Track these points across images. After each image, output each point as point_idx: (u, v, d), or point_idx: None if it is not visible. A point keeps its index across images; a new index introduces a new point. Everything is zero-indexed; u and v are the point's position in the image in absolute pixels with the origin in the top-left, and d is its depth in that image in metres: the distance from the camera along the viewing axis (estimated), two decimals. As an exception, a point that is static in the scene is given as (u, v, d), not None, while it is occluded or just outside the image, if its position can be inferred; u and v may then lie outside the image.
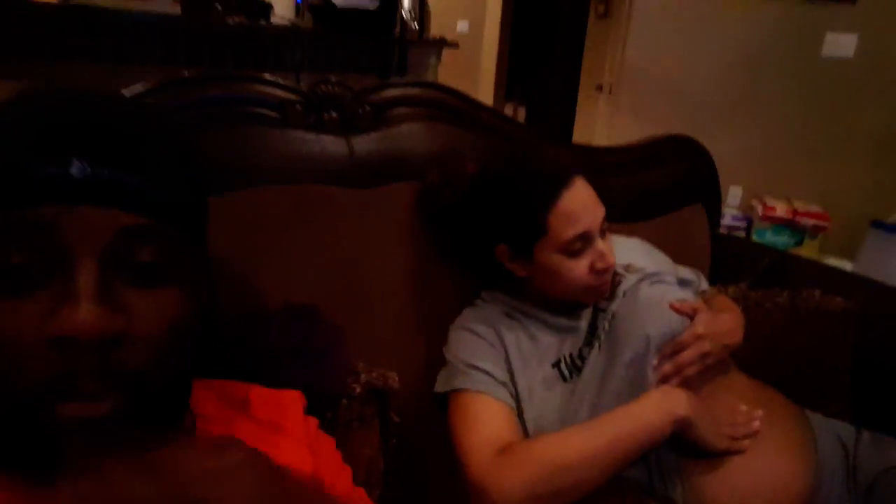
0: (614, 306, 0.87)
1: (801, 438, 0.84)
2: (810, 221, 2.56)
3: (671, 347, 0.82)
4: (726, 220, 2.56)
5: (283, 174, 0.86)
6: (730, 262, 1.35)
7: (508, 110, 5.61)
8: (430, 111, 1.01)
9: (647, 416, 0.75)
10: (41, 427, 0.39)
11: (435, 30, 5.09)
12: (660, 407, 0.76)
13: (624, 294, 0.88)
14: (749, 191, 2.75)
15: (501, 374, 0.84)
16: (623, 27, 2.87)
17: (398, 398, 0.77)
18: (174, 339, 0.44)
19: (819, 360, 1.09)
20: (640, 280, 0.90)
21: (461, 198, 0.91)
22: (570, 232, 0.82)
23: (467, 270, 0.99)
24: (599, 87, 3.66)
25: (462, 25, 5.28)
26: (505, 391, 0.83)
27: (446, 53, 3.37)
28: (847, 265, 2.03)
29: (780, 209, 2.58)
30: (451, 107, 1.04)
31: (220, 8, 2.19)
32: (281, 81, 0.91)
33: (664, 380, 0.81)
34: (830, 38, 2.52)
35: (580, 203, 0.83)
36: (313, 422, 0.63)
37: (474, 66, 5.23)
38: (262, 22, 2.36)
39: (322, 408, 0.66)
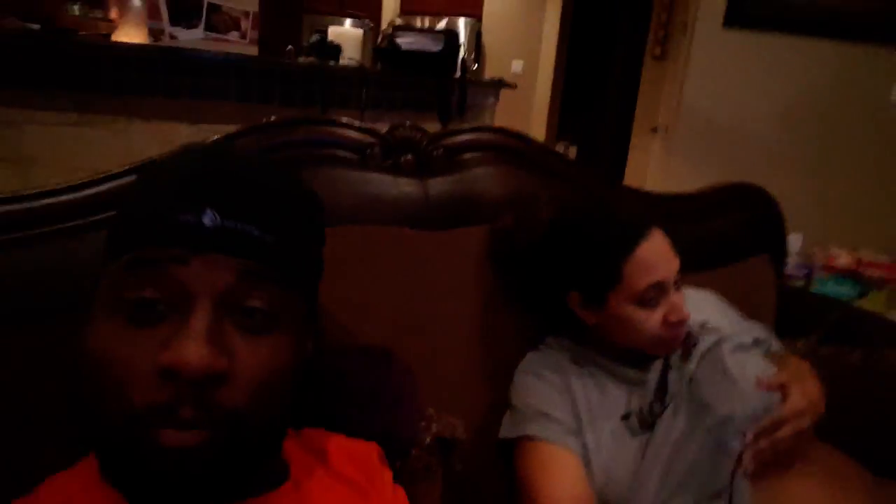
0: (691, 367, 0.85)
1: None
2: (876, 273, 2.46)
3: (770, 424, 0.79)
4: (785, 270, 2.48)
5: (361, 214, 0.89)
6: (796, 315, 1.32)
7: (559, 149, 5.63)
8: (500, 155, 1.03)
9: None
10: (140, 449, 0.43)
11: (490, 70, 5.20)
12: None
13: (701, 356, 0.86)
14: (810, 238, 2.67)
15: (571, 422, 0.83)
16: (680, 69, 2.88)
17: (463, 446, 0.78)
18: (273, 386, 0.46)
19: (893, 424, 1.05)
20: (718, 342, 0.88)
21: (535, 243, 0.91)
22: (645, 281, 0.81)
23: (533, 315, 0.99)
24: (654, 129, 3.65)
25: (517, 65, 5.38)
26: (576, 441, 0.82)
27: (502, 93, 3.43)
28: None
29: (844, 259, 2.50)
30: (521, 152, 1.06)
31: (292, 49, 2.31)
32: (360, 125, 0.95)
33: (756, 456, 0.78)
34: (900, 85, 2.46)
35: (657, 254, 0.83)
36: (388, 475, 0.63)
37: (527, 105, 5.30)
38: (332, 62, 2.47)
39: (393, 456, 0.67)
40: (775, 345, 1.05)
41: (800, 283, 2.51)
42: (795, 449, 0.81)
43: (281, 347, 0.47)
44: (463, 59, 2.72)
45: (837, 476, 0.81)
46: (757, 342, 0.98)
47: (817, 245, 2.63)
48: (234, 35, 2.18)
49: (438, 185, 0.96)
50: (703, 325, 0.93)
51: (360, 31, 3.00)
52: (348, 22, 5.56)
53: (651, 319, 0.83)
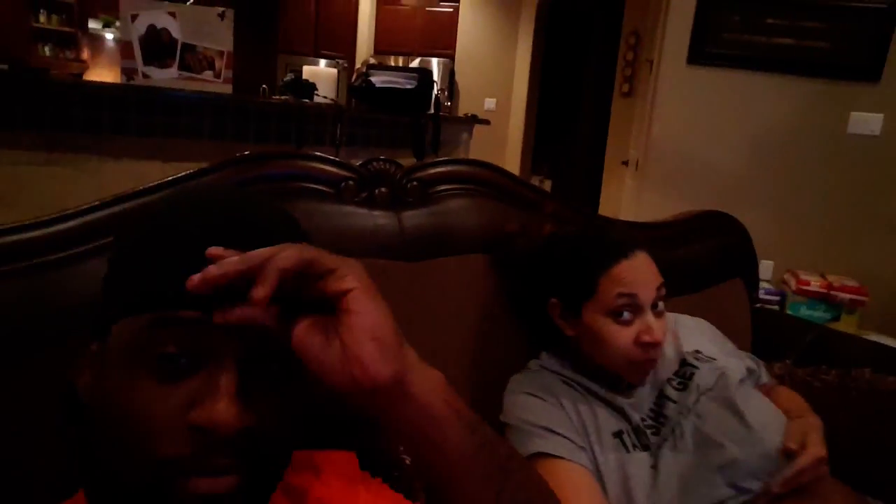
0: (691, 399, 0.85)
1: None
2: (847, 296, 2.51)
3: (794, 475, 0.79)
4: (759, 295, 2.52)
5: (337, 248, 0.88)
6: (771, 337, 1.34)
7: (534, 182, 5.72)
8: (475, 188, 1.04)
9: None
10: (169, 499, 0.42)
11: (464, 107, 5.30)
12: None
13: (705, 390, 0.86)
14: (781, 265, 2.73)
15: (577, 438, 0.82)
16: (648, 105, 2.96)
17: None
18: (297, 425, 0.48)
19: (870, 441, 1.06)
20: (722, 378, 0.88)
21: (533, 250, 0.95)
22: (616, 291, 0.83)
23: (514, 342, 1.00)
24: (625, 163, 3.74)
25: (489, 103, 5.49)
26: (585, 457, 0.81)
27: (475, 129, 3.49)
28: (888, 340, 1.97)
29: (815, 283, 2.55)
30: (495, 183, 1.07)
31: (266, 88, 2.33)
32: (335, 159, 0.96)
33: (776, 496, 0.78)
34: (856, 116, 2.56)
35: (635, 273, 0.85)
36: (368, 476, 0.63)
37: (501, 141, 5.40)
38: (306, 101, 2.49)
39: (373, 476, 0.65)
40: (764, 374, 1.06)
41: (774, 308, 2.55)
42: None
43: (304, 389, 0.48)
44: (436, 95, 2.77)
45: (817, 495, 0.81)
46: (750, 372, 0.99)
47: (788, 271, 2.69)
48: (208, 74, 2.19)
49: (413, 218, 0.97)
50: (696, 354, 0.94)
51: (334, 70, 3.04)
52: (323, 62, 5.64)
53: (623, 336, 0.84)
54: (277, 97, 2.36)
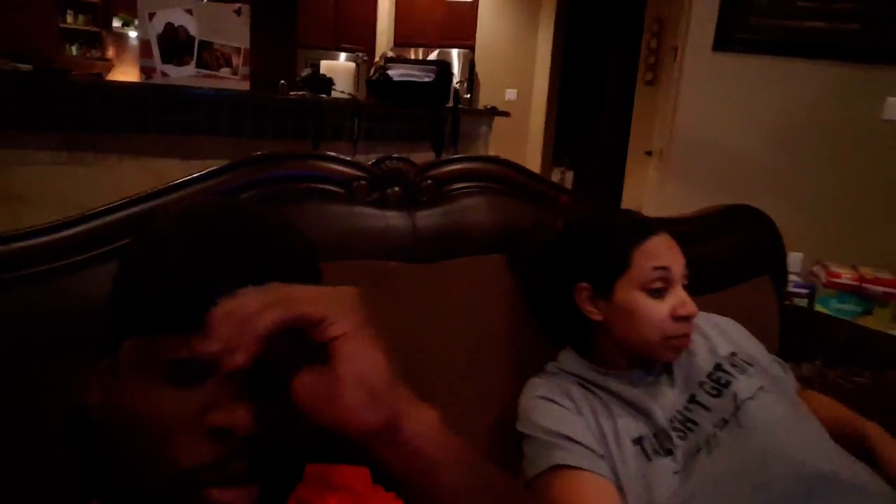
0: (727, 411, 0.82)
1: None
2: (880, 289, 2.43)
3: None
4: (788, 288, 2.45)
5: (349, 250, 0.87)
6: (799, 336, 1.29)
7: (556, 175, 5.66)
8: (491, 185, 1.02)
9: None
10: None
11: (484, 99, 5.26)
12: None
13: (736, 400, 0.83)
14: (810, 257, 2.65)
15: (596, 446, 0.80)
16: (672, 94, 2.89)
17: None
18: (308, 433, 0.48)
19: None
20: (758, 391, 0.85)
21: (550, 242, 0.94)
22: (653, 266, 0.83)
23: (532, 344, 0.97)
24: (649, 153, 3.67)
25: (510, 93, 5.44)
26: (606, 466, 0.78)
27: (496, 121, 3.45)
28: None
29: (846, 276, 2.47)
30: (511, 180, 1.05)
31: (285, 84, 2.32)
32: (347, 159, 0.94)
33: None
34: (892, 101, 2.47)
35: (666, 247, 0.87)
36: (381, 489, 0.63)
37: (523, 132, 5.34)
38: (323, 96, 2.48)
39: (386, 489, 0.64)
40: (792, 380, 1.02)
41: (803, 302, 2.48)
42: None
43: None
44: (455, 88, 2.74)
45: None
46: (780, 382, 0.95)
47: (818, 263, 2.61)
48: (225, 71, 2.20)
49: (427, 218, 0.94)
50: (733, 358, 0.91)
51: (351, 65, 3.02)
52: (342, 55, 5.64)
53: (659, 310, 0.83)
54: (295, 92, 2.36)
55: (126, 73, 5.64)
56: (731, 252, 1.27)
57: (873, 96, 2.48)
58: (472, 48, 5.67)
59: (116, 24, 5.63)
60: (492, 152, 3.49)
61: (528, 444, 0.83)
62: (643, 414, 0.84)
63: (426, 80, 2.51)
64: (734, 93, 2.64)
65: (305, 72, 2.52)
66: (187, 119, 2.12)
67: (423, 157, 1.00)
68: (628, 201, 4.05)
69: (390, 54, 5.23)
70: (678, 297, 0.84)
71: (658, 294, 0.84)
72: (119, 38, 5.80)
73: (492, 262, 0.98)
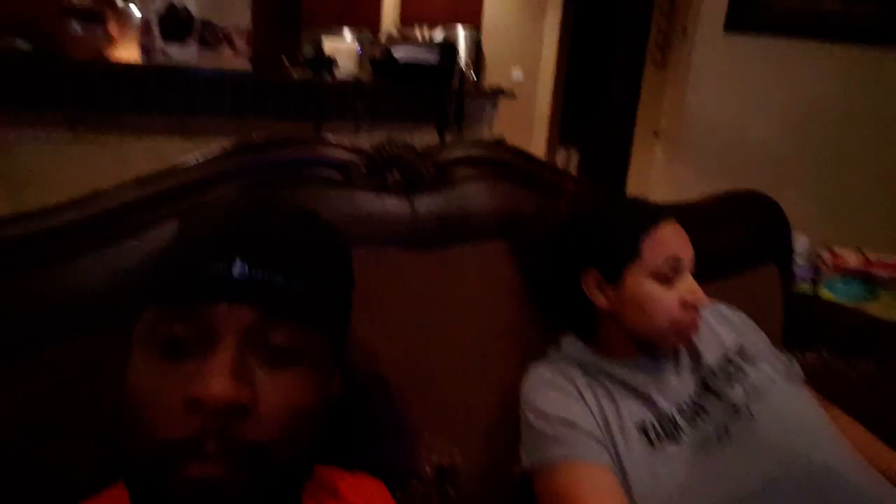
0: (739, 401, 0.81)
1: None
2: (886, 273, 2.41)
3: None
4: (793, 272, 2.43)
5: (347, 236, 0.86)
6: (804, 324, 1.27)
7: (561, 155, 5.61)
8: (493, 170, 1.00)
9: None
10: (165, 481, 0.44)
11: (490, 78, 5.19)
12: None
13: (747, 392, 0.82)
14: (815, 240, 2.63)
15: (598, 432, 0.79)
16: (681, 75, 2.84)
17: (459, 472, 0.74)
18: (297, 420, 0.48)
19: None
20: (770, 384, 0.84)
21: (555, 229, 0.93)
22: (663, 255, 0.83)
23: (535, 330, 0.96)
24: (656, 134, 3.62)
25: (517, 73, 5.36)
26: (605, 451, 0.78)
27: (502, 100, 3.41)
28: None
29: (852, 259, 2.45)
30: (514, 165, 1.03)
31: (287, 64, 2.30)
32: (346, 143, 0.92)
33: None
34: (905, 84, 2.42)
35: (675, 235, 0.86)
36: None
37: (528, 113, 5.28)
38: (326, 76, 2.45)
39: (393, 488, 0.65)
40: (797, 370, 1.01)
41: (807, 286, 2.46)
42: None
43: (303, 382, 0.49)
44: (461, 69, 2.70)
45: None
46: (790, 376, 0.94)
47: (823, 246, 2.59)
48: (227, 51, 2.17)
49: (427, 203, 0.93)
50: (741, 351, 0.90)
51: (354, 45, 2.98)
52: (347, 34, 5.56)
53: (668, 297, 0.83)
54: (299, 72, 2.33)
55: (129, 50, 5.59)
56: (738, 239, 1.26)
57: (889, 80, 2.43)
58: (478, 27, 5.58)
59: (121, 1, 5.59)
60: (497, 132, 3.45)
61: (528, 431, 0.82)
62: (646, 399, 0.83)
63: (431, 61, 2.47)
64: (746, 75, 2.59)
65: (308, 51, 2.49)
66: (189, 98, 2.10)
67: (426, 138, 0.98)
68: (634, 183, 4.01)
69: (394, 32, 5.16)
70: (687, 285, 0.84)
71: (667, 282, 0.83)
72: (122, 15, 5.77)
73: (494, 248, 0.97)
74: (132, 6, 2.34)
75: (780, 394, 0.83)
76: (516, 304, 0.97)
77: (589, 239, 0.89)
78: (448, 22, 5.54)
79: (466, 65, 2.73)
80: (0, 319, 0.64)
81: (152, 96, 2.05)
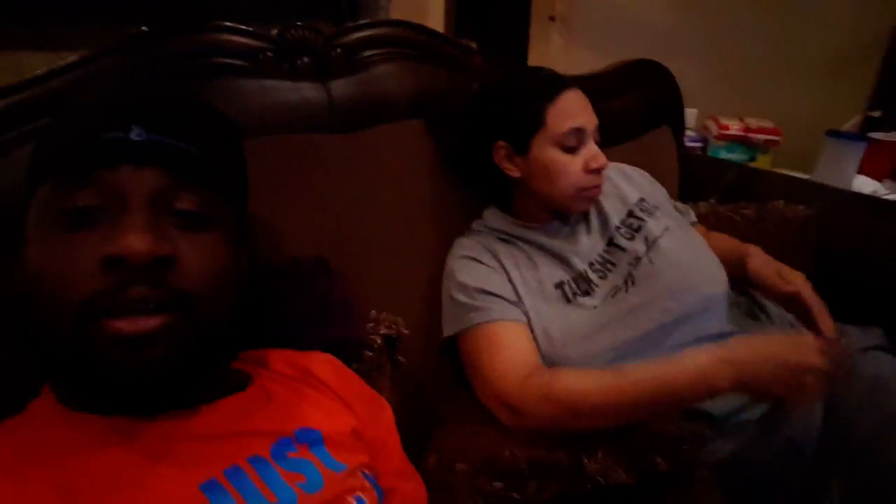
0: (639, 248, 0.90)
1: None
2: (762, 137, 2.64)
3: (818, 308, 0.86)
4: (684, 142, 2.61)
5: (264, 126, 0.84)
6: (696, 180, 1.40)
7: (460, 47, 5.49)
8: (401, 51, 0.99)
9: (680, 388, 0.70)
10: (95, 344, 0.44)
11: (378, -34, 4.87)
12: (696, 380, 0.70)
13: (647, 241, 0.90)
14: (703, 112, 2.81)
15: (510, 294, 0.86)
16: (571, -47, 2.81)
17: (405, 341, 0.79)
18: (216, 279, 0.49)
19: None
20: (665, 230, 0.92)
21: (466, 104, 0.95)
22: (567, 125, 0.87)
23: (458, 205, 1.00)
24: (552, 18, 3.61)
25: (406, -40, 5.08)
26: (518, 310, 0.85)
27: (394, -9, 3.24)
28: (799, 176, 2.12)
29: (734, 127, 2.65)
30: (420, 43, 1.02)
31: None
32: (248, 28, 0.88)
33: None
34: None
35: (578, 104, 0.89)
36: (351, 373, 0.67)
37: (422, 2, 5.07)
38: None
39: (347, 360, 0.68)
40: (692, 217, 1.12)
41: (697, 153, 2.65)
42: None
43: (218, 244, 0.50)
44: (348, -46, 2.52)
45: None
46: (681, 221, 1.04)
47: (710, 118, 2.78)
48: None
49: (341, 88, 0.92)
50: (642, 203, 0.98)
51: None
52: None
53: (573, 164, 0.88)
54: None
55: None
56: (636, 105, 1.33)
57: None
58: None
59: None
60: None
61: (450, 304, 0.89)
62: (562, 262, 0.91)
63: (316, -55, 2.28)
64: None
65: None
66: (45, 4, 1.85)
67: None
68: (534, 70, 4.04)
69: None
70: (590, 152, 0.89)
71: (572, 150, 0.88)
72: None
73: (411, 127, 0.99)
74: None
75: (674, 238, 0.92)
76: (439, 181, 1.00)
77: (496, 111, 0.92)
78: None
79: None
80: None
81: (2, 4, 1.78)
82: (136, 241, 0.43)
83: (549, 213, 0.94)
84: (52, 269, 0.45)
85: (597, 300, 0.88)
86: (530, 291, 0.88)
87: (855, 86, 2.59)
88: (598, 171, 0.89)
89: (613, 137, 1.27)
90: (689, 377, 0.70)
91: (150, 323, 0.44)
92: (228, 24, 0.87)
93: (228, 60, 0.85)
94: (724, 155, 2.64)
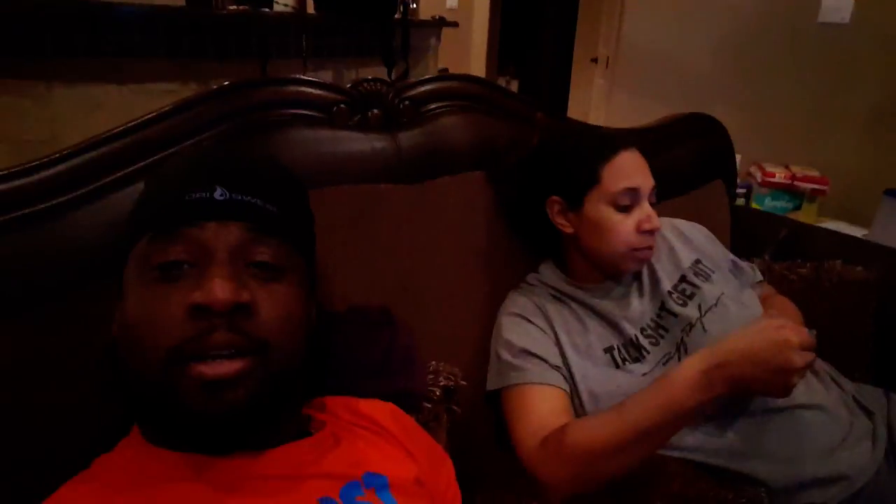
0: (692, 314, 0.89)
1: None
2: (808, 186, 2.61)
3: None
4: (728, 189, 2.59)
5: (336, 174, 0.87)
6: (748, 234, 1.39)
7: (501, 84, 5.57)
8: (466, 104, 1.02)
9: (681, 402, 0.72)
10: (180, 387, 0.47)
11: (426, 8, 5.02)
12: (693, 391, 0.72)
13: (701, 308, 0.90)
14: (748, 159, 2.79)
15: (554, 357, 0.87)
16: (617, 1, 2.86)
17: (461, 392, 0.80)
18: (290, 325, 0.53)
19: (843, 328, 1.14)
20: (721, 297, 0.92)
21: (523, 158, 0.98)
22: (622, 184, 0.88)
23: (515, 257, 1.02)
24: (594, 60, 3.65)
25: (451, 1, 5.21)
26: (557, 374, 0.86)
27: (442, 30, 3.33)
28: (844, 226, 2.08)
29: (779, 175, 2.63)
30: (485, 98, 1.05)
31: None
32: (325, 82, 0.92)
33: None
34: (826, 3, 2.54)
35: (634, 164, 0.91)
36: (412, 420, 0.69)
37: (465, 41, 5.18)
38: (265, 9, 2.33)
39: (406, 410, 0.69)
40: (758, 276, 1.10)
41: (741, 201, 2.63)
42: None
43: (291, 294, 0.55)
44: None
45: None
46: (741, 284, 1.02)
47: (754, 164, 2.76)
48: (156, -16, 2.02)
49: (409, 139, 0.95)
50: (697, 266, 0.97)
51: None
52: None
53: (624, 223, 0.89)
54: (233, 6, 2.20)
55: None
56: (690, 159, 1.34)
57: (809, 1, 2.53)
58: (408, -49, 5.33)
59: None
60: (440, 63, 3.39)
61: (494, 359, 0.90)
62: (613, 326, 0.91)
63: (373, -10, 2.38)
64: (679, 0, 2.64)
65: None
66: (119, 39, 1.96)
67: (375, 73, 0.99)
68: (575, 109, 4.07)
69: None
70: (644, 213, 0.90)
71: (625, 210, 0.89)
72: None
73: (473, 179, 1.01)
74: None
75: (728, 305, 0.91)
76: (498, 232, 1.02)
77: (553, 166, 0.94)
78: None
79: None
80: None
81: (78, 38, 1.89)
82: (219, 290, 0.47)
83: (602, 273, 0.95)
84: (146, 318, 0.49)
85: (647, 367, 0.87)
86: (579, 354, 0.88)
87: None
88: (650, 233, 0.90)
89: (667, 191, 1.27)
90: (686, 392, 0.72)
91: (230, 367, 0.48)
92: (308, 77, 0.90)
93: (306, 112, 0.89)
94: (769, 202, 2.62)
